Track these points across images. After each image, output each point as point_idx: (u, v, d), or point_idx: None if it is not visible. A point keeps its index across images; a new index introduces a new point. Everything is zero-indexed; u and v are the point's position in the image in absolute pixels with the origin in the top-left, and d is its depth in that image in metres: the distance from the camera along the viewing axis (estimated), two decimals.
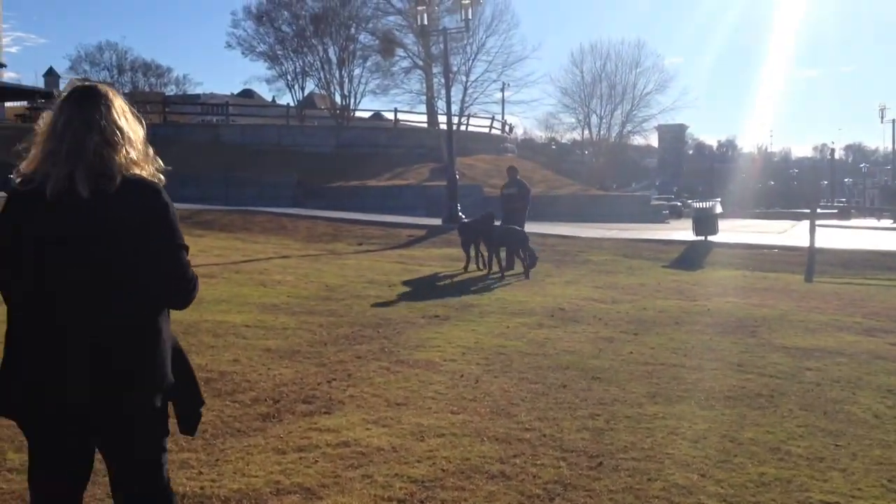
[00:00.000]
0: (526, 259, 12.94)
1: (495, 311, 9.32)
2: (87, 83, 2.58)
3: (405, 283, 11.62)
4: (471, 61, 48.86)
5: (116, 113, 2.49)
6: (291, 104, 48.72)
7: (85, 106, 2.46)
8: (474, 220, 14.27)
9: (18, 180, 2.46)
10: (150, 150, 2.55)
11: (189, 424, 2.69)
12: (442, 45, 26.43)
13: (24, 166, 2.47)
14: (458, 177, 22.41)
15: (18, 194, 2.44)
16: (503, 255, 13.10)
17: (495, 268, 12.82)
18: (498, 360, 6.75)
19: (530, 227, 19.81)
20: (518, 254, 13.15)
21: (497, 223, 13.54)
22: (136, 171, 2.46)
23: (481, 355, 6.88)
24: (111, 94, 2.53)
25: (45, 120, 2.50)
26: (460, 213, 20.15)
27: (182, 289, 2.51)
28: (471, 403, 5.43)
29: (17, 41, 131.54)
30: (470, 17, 26.19)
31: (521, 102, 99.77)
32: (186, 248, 2.51)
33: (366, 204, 27.83)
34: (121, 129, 2.46)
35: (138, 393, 2.45)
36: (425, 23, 25.65)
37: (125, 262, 2.40)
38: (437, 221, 20.94)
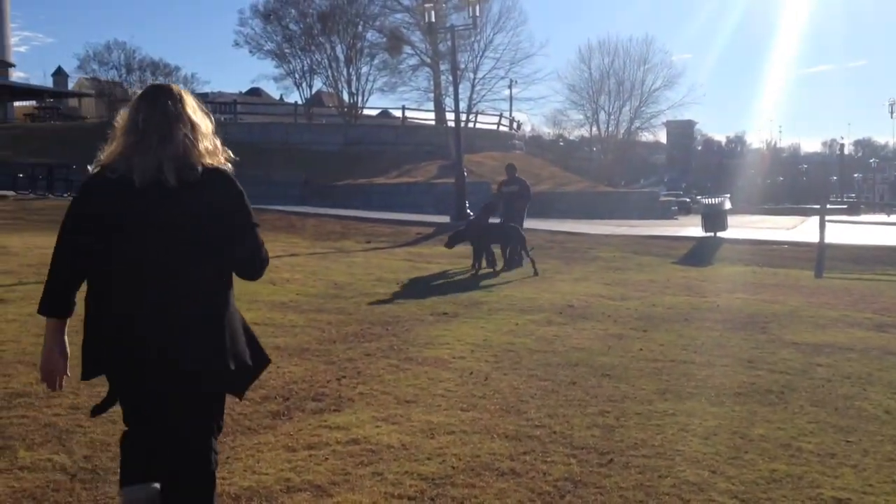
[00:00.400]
0: (528, 256, 13.00)
1: (504, 308, 9.31)
2: (160, 82, 2.88)
3: (414, 280, 11.62)
4: (478, 58, 48.98)
5: (190, 108, 2.73)
6: (299, 102, 48.87)
7: (161, 103, 2.70)
8: (476, 216, 14.32)
9: (98, 169, 2.69)
10: (219, 142, 2.79)
11: (240, 389, 2.95)
12: (449, 43, 26.41)
13: (104, 157, 2.70)
14: (466, 174, 22.41)
15: (104, 181, 2.66)
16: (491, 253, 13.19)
17: (500, 264, 12.90)
18: (507, 357, 6.74)
19: (539, 224, 19.83)
20: (516, 251, 13.18)
21: (496, 220, 13.57)
22: (211, 160, 2.71)
23: (490, 352, 6.88)
24: (183, 91, 2.78)
25: (122, 116, 2.74)
26: (468, 211, 20.17)
27: (258, 262, 2.81)
28: (480, 401, 5.42)
29: (24, 41, 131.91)
30: (478, 14, 26.18)
31: (529, 99, 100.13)
32: (258, 225, 2.81)
33: (373, 202, 27.88)
34: (195, 124, 2.71)
35: (212, 367, 2.69)
36: (433, 20, 25.69)
37: (205, 243, 2.66)
38: (446, 219, 20.94)
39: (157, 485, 2.85)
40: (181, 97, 2.74)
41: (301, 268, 12.03)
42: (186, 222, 2.63)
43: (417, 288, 10.94)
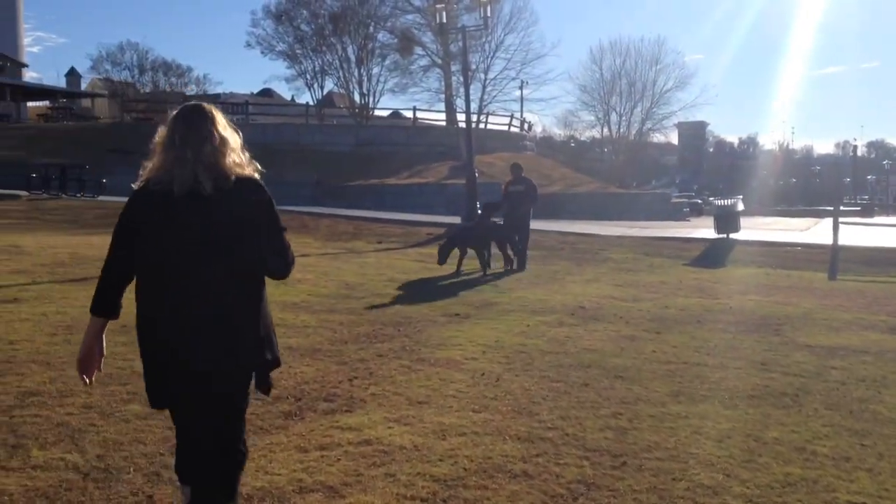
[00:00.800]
0: (515, 255, 13.01)
1: (515, 309, 9.28)
2: (193, 102, 3.15)
3: (425, 281, 11.61)
4: (489, 59, 48.88)
5: (220, 125, 2.99)
6: (311, 103, 48.93)
7: (194, 120, 2.97)
8: (479, 218, 14.31)
9: (143, 183, 2.96)
10: (248, 155, 3.05)
11: (265, 387, 3.09)
12: (461, 43, 26.41)
13: (147, 172, 2.97)
14: (477, 175, 22.37)
15: (149, 192, 2.92)
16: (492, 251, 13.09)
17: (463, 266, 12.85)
18: (519, 358, 6.72)
19: (549, 225, 19.80)
20: (504, 250, 13.13)
21: (499, 221, 13.49)
22: (241, 171, 2.96)
23: (502, 354, 6.86)
24: (214, 110, 3.05)
25: (160, 134, 3.00)
26: (479, 211, 20.13)
27: (285, 262, 3.04)
28: (492, 402, 5.41)
29: (37, 41, 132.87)
30: (489, 14, 26.12)
31: (540, 100, 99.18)
32: (286, 230, 3.05)
33: (385, 202, 27.89)
34: (225, 138, 2.98)
35: (245, 354, 2.91)
36: (444, 21, 25.65)
37: (239, 244, 2.88)
38: (457, 219, 20.90)
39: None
40: (212, 115, 3.01)
41: (313, 268, 12.03)
42: (221, 228, 2.88)
43: (429, 289, 10.93)
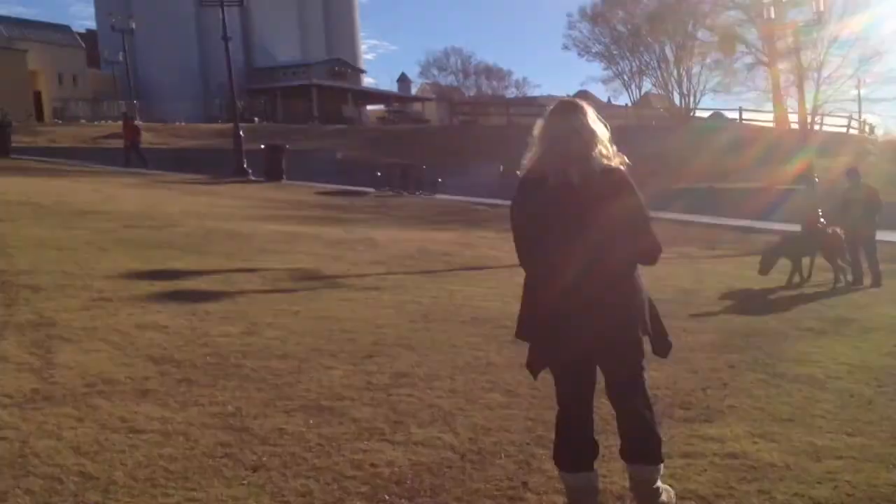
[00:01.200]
0: (849, 268, 11.70)
1: (878, 327, 8.35)
2: (567, 98, 3.46)
3: (767, 291, 10.88)
4: (822, 56, 45.11)
5: (590, 120, 3.26)
6: (628, 104, 48.61)
7: (568, 116, 3.27)
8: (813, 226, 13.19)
9: (524, 173, 3.31)
10: (615, 147, 3.28)
11: (661, 350, 3.62)
12: (789, 40, 24.59)
13: (528, 162, 3.32)
14: (816, 180, 20.71)
15: (529, 182, 3.27)
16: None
17: (795, 278, 11.67)
18: (891, 381, 6.02)
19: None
20: (835, 263, 11.67)
21: (838, 230, 12.12)
22: (608, 163, 3.21)
23: (870, 375, 6.20)
24: (585, 105, 3.31)
25: (538, 127, 3.34)
26: (821, 220, 18.61)
27: (653, 249, 3.32)
28: (867, 426, 4.90)
29: (371, 49, 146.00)
30: (821, 9, 24.01)
31: (883, 100, 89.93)
32: (652, 219, 3.32)
33: (714, 207, 26.71)
34: (594, 132, 3.23)
35: (628, 326, 3.30)
36: (772, 17, 24.01)
37: (609, 229, 3.14)
38: (796, 227, 19.46)
39: (596, 470, 3.44)
40: (583, 110, 3.26)
41: (648, 271, 11.82)
42: (592, 214, 3.13)
43: (772, 300, 10.27)
